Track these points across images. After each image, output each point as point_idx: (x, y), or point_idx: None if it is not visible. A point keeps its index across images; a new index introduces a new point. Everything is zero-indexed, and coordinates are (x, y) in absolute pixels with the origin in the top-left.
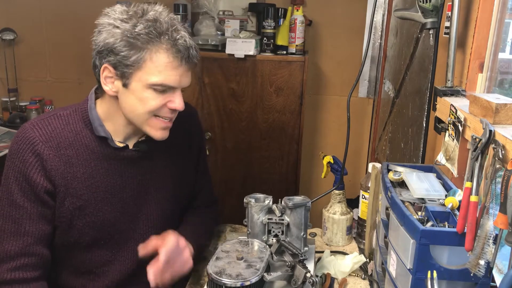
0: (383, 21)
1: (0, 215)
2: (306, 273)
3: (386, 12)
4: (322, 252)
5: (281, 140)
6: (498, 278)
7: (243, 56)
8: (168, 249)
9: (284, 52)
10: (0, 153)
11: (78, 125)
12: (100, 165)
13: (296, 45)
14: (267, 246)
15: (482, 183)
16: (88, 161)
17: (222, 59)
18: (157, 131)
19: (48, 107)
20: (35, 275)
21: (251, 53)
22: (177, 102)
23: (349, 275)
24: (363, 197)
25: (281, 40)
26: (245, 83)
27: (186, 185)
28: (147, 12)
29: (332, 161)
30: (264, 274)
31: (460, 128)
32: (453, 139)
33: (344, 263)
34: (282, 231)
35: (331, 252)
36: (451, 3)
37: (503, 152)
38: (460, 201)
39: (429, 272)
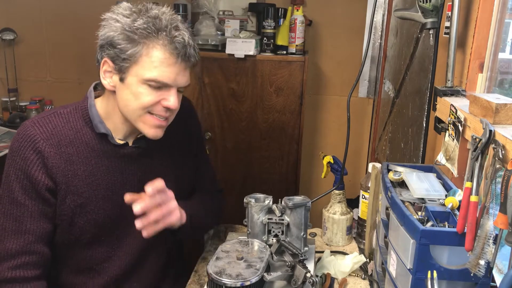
0: (383, 21)
1: (1, 213)
2: (306, 273)
3: (386, 12)
4: (322, 252)
5: (281, 140)
6: (498, 278)
7: (243, 56)
8: (155, 187)
9: (284, 52)
10: (0, 153)
11: (78, 123)
12: (101, 162)
13: (296, 45)
14: (267, 246)
15: (482, 183)
16: (88, 158)
17: (222, 59)
18: (151, 128)
19: (48, 107)
20: (36, 274)
21: (251, 53)
22: (171, 100)
23: (349, 275)
24: (363, 197)
25: (281, 40)
26: (245, 83)
27: (186, 181)
28: (151, 10)
29: (332, 161)
30: (264, 274)
31: (460, 128)
32: (453, 139)
33: (344, 263)
34: (282, 231)
35: (331, 252)
36: (451, 3)
37: (503, 152)
38: (460, 201)
39: (429, 272)
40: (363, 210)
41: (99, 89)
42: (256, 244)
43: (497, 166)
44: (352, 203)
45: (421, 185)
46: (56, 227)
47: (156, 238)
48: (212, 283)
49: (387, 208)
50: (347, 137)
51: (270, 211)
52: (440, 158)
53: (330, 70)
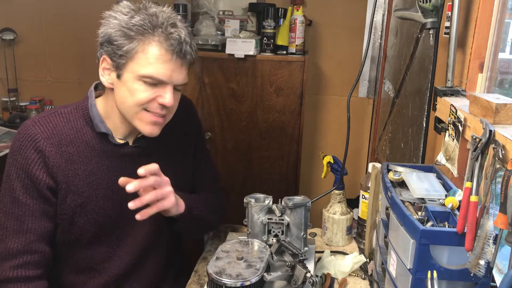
0: (383, 21)
1: (3, 213)
2: (306, 273)
3: (386, 12)
4: (322, 252)
5: (281, 140)
6: (498, 278)
7: (243, 56)
8: (148, 169)
9: (284, 52)
10: (0, 153)
11: (79, 123)
12: (101, 162)
13: (296, 45)
14: (267, 246)
15: (482, 183)
16: (89, 158)
17: (222, 59)
18: (147, 125)
19: (48, 107)
20: (38, 273)
21: (251, 53)
22: (167, 97)
23: (349, 275)
24: (363, 197)
25: (281, 40)
26: (245, 83)
27: (186, 181)
28: (150, 8)
29: (332, 161)
30: (264, 274)
31: (460, 128)
32: (453, 139)
33: (344, 263)
34: (282, 231)
35: (331, 252)
36: (451, 3)
37: (503, 152)
38: (460, 201)
39: (429, 272)
40: (363, 210)
41: (100, 89)
42: (256, 244)
43: (497, 166)
44: (352, 203)
45: (421, 185)
46: (56, 227)
47: (157, 238)
48: (212, 283)
49: (387, 208)
50: (347, 137)
51: (270, 211)
52: (440, 158)
53: (330, 70)
